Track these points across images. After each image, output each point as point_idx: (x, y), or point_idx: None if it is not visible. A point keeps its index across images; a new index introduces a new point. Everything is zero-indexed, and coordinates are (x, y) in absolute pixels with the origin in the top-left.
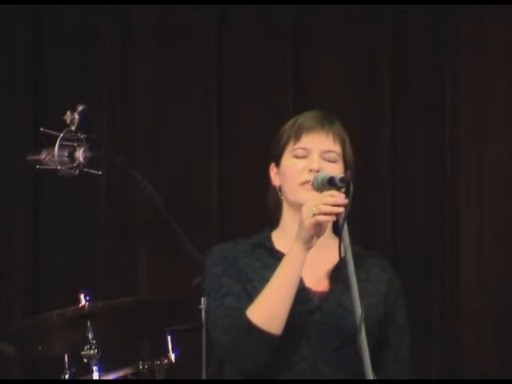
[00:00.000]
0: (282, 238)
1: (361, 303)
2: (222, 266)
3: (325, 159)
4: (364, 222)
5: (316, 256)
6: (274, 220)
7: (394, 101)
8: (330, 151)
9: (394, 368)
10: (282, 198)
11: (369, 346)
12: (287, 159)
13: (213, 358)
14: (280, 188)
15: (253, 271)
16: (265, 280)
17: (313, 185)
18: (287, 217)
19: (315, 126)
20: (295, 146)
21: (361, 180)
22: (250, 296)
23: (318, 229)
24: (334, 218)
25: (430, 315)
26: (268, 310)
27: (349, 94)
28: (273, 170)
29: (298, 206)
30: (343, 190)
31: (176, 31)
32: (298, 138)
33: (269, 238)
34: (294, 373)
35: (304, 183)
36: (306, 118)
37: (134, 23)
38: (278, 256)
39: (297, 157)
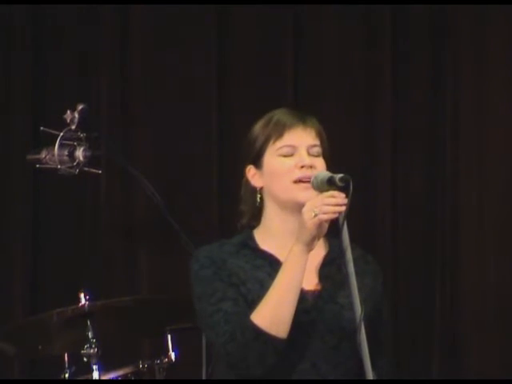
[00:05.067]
0: (266, 237)
1: (360, 303)
2: (212, 269)
3: (310, 154)
4: (364, 222)
5: None
6: (253, 220)
7: (394, 101)
8: (314, 145)
9: (382, 364)
10: (262, 198)
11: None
12: (272, 159)
13: (213, 358)
14: (262, 189)
15: (244, 273)
16: (258, 281)
17: (312, 184)
18: (273, 216)
19: (297, 122)
20: (279, 145)
21: (361, 180)
22: (246, 299)
23: (320, 229)
24: (336, 216)
25: (430, 315)
26: (273, 314)
27: (349, 94)
28: (250, 172)
29: (289, 205)
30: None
31: (176, 31)
32: (280, 135)
33: (252, 238)
34: (295, 372)
35: (297, 181)
36: (282, 115)
37: (133, 23)
38: (265, 256)
39: (283, 155)
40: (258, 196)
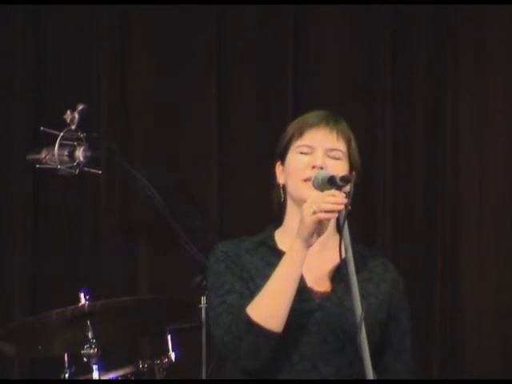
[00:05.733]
0: (285, 236)
1: (361, 302)
2: (225, 263)
3: (329, 157)
4: (364, 222)
5: (318, 256)
6: (278, 218)
7: (395, 100)
8: (334, 149)
9: (396, 370)
10: (286, 195)
11: (371, 346)
12: (292, 156)
13: (213, 358)
14: (284, 186)
15: (256, 269)
16: (266, 278)
17: (313, 183)
18: (290, 215)
19: (319, 123)
20: (299, 143)
21: (361, 180)
22: (253, 294)
23: (319, 227)
24: (335, 215)
25: (430, 315)
26: (268, 307)
27: (349, 94)
28: (278, 168)
29: (300, 203)
30: (344, 189)
31: (176, 31)
32: (301, 134)
33: (272, 237)
34: (294, 372)
35: (307, 180)
36: (311, 115)
37: (133, 23)
38: (280, 255)
39: (301, 153)
40: (283, 191)
